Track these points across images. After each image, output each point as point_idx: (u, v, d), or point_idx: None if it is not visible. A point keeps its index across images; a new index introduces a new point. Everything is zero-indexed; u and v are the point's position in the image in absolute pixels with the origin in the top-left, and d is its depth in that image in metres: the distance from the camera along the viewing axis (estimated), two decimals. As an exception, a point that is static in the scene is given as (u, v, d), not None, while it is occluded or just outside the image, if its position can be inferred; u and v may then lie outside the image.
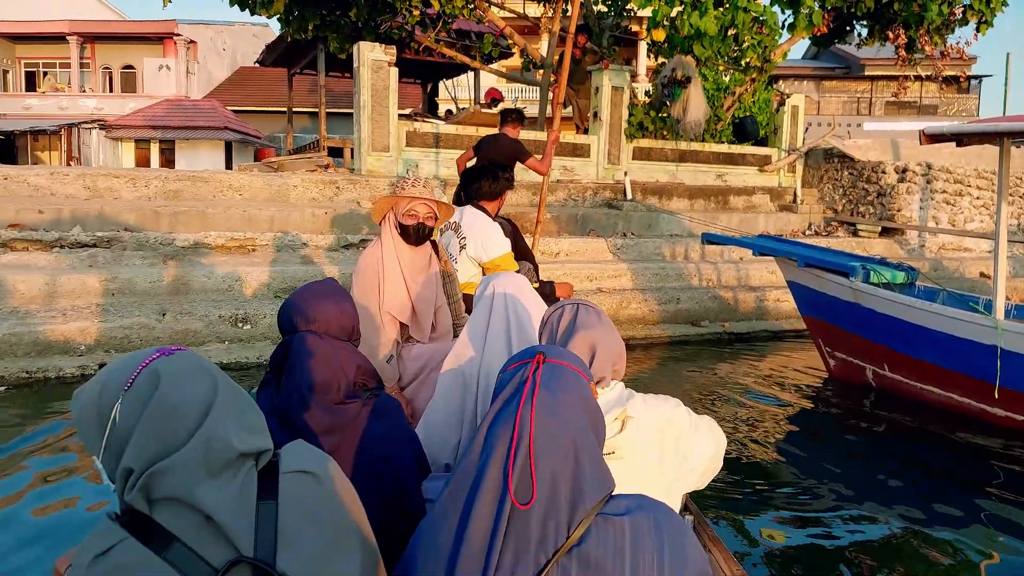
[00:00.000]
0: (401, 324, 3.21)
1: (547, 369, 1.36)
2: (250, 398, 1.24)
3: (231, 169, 24.57)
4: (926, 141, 4.65)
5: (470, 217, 3.99)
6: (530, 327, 2.49)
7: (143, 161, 25.52)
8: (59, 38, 28.47)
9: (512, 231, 4.57)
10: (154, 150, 25.79)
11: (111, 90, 29.95)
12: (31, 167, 9.65)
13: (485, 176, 4.30)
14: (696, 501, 3.82)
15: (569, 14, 12.04)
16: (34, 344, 5.80)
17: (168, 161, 25.51)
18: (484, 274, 3.93)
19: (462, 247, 3.64)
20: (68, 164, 25.54)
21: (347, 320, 2.05)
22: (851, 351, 5.95)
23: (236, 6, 10.50)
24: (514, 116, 6.85)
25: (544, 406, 1.30)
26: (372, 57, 8.89)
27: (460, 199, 4.40)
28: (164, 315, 6.26)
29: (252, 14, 10.22)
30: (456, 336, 3.32)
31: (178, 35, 29.21)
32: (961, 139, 4.70)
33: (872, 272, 5.60)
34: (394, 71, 9.04)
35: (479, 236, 3.66)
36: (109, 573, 1.09)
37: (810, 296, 6.13)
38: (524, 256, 4.57)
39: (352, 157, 12.57)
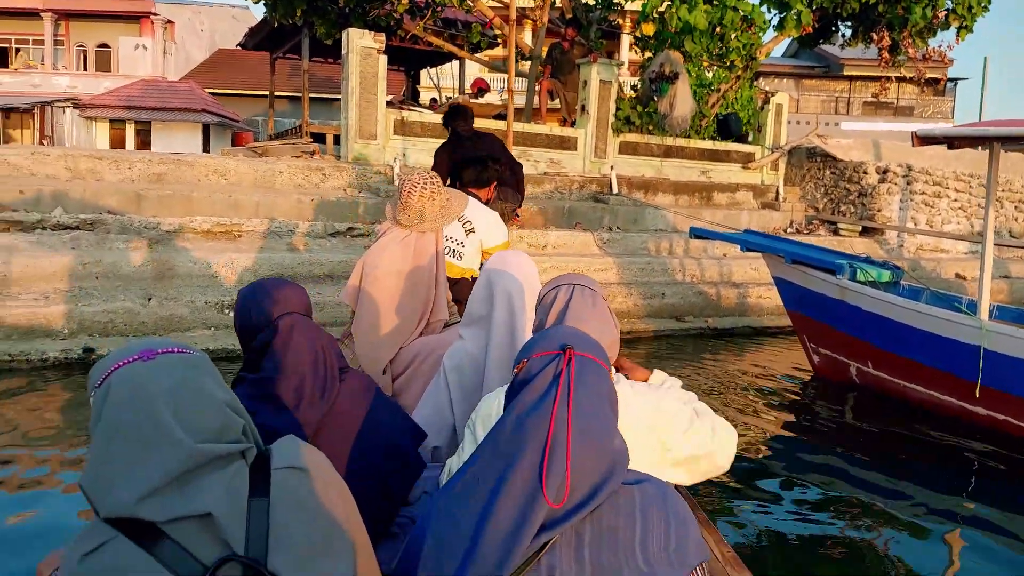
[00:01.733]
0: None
1: (578, 365, 1.36)
2: (216, 402, 1.19)
3: (208, 152, 24.28)
4: (918, 143, 4.72)
5: (471, 203, 4.01)
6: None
7: (118, 142, 25.10)
8: (33, 14, 27.89)
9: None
10: (129, 131, 25.37)
11: (85, 68, 29.40)
12: (11, 146, 9.46)
13: (476, 164, 4.48)
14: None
15: (557, 6, 12.06)
16: (15, 327, 5.70)
17: (144, 143, 25.11)
18: (484, 259, 3.93)
19: (469, 231, 3.64)
20: (41, 143, 25.04)
21: (307, 299, 2.14)
22: (836, 347, 6.04)
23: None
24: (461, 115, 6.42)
25: (580, 408, 1.32)
26: (362, 44, 8.81)
27: (453, 187, 4.44)
28: (149, 300, 6.17)
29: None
30: (448, 324, 3.32)
31: (155, 14, 28.76)
32: (952, 142, 4.78)
33: (858, 270, 5.68)
34: (383, 59, 8.97)
35: (483, 221, 3.67)
36: (98, 572, 1.09)
37: (796, 292, 6.20)
38: None
39: (335, 143, 12.48)
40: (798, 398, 6.16)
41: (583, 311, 1.87)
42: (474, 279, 3.82)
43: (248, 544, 1.13)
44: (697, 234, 6.62)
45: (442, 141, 6.76)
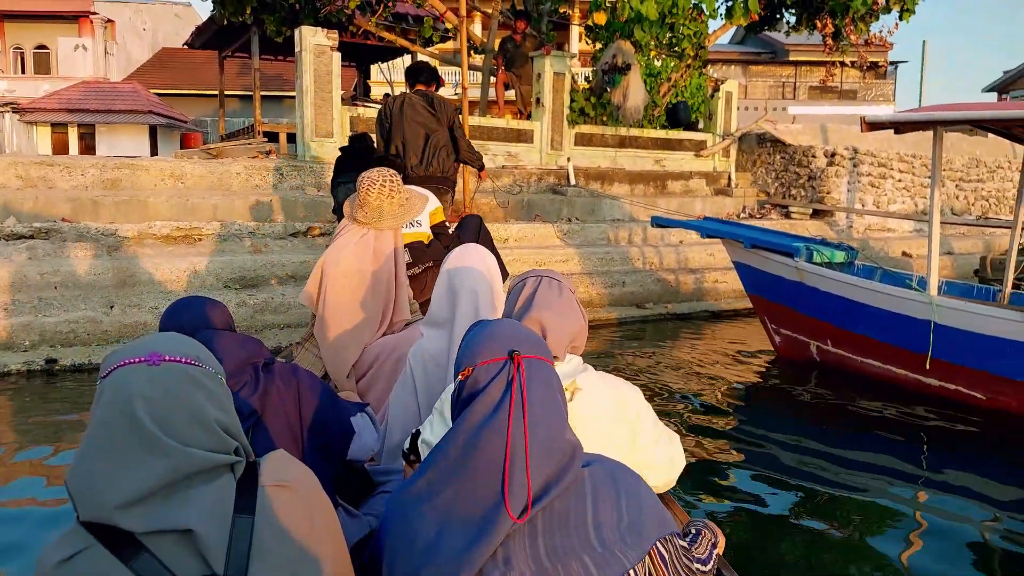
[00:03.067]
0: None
1: (527, 369, 1.34)
2: (205, 419, 1.17)
3: (157, 154, 23.81)
4: (866, 128, 4.92)
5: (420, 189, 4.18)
6: (499, 303, 2.46)
7: (60, 146, 24.47)
8: (-36, 16, 26.99)
9: (479, 226, 4.67)
10: (72, 135, 24.76)
11: (23, 71, 28.56)
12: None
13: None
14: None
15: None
16: (-26, 341, 5.60)
17: (88, 147, 24.52)
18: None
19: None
20: (-21, 150, 24.26)
21: (228, 316, 2.19)
22: (796, 328, 6.24)
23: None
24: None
25: (535, 415, 1.31)
26: (315, 42, 8.76)
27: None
28: (112, 308, 6.11)
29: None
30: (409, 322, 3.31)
31: (95, 13, 28.05)
32: (899, 127, 4.98)
33: (814, 252, 5.88)
34: (337, 56, 8.94)
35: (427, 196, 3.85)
36: None
37: (756, 276, 6.39)
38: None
39: (289, 141, 12.38)
40: (760, 379, 6.35)
41: (550, 298, 1.88)
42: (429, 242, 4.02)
43: (228, 562, 1.11)
44: (658, 223, 6.77)
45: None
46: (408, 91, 6.11)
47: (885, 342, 5.53)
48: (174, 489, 1.11)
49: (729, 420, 5.16)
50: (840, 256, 5.98)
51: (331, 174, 7.13)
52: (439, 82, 6.42)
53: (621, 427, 1.86)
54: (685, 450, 4.24)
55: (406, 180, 5.04)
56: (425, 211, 4.03)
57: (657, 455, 1.95)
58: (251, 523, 1.15)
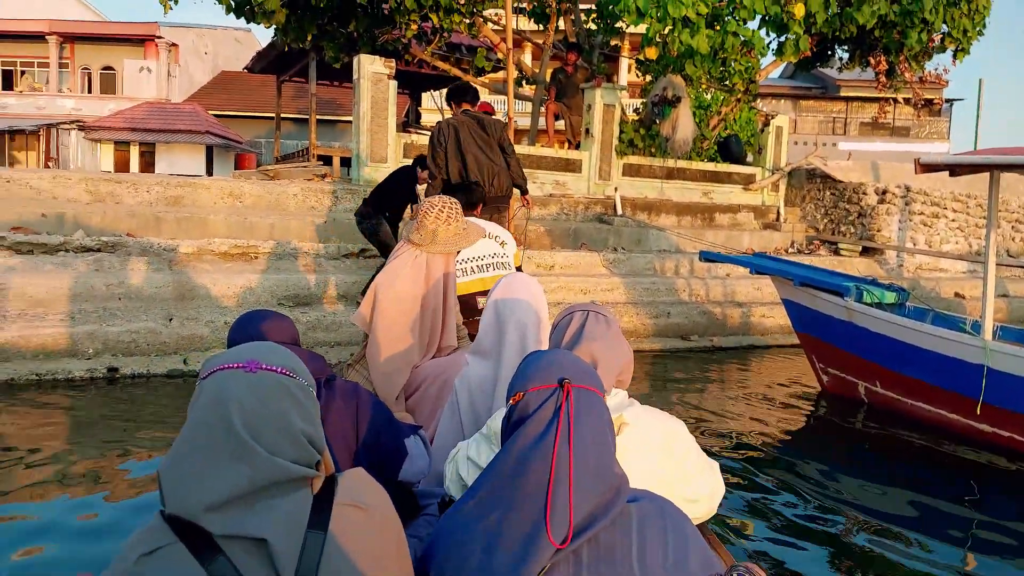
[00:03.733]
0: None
1: (576, 398, 1.36)
2: (293, 431, 1.20)
3: (212, 173, 24.51)
4: (921, 170, 4.90)
5: (484, 222, 4.22)
6: (545, 335, 2.47)
7: (122, 163, 25.34)
8: (38, 37, 28.19)
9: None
10: (133, 152, 25.62)
11: (90, 91, 29.69)
12: (34, 170, 9.63)
13: (463, 190, 5.01)
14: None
15: (560, 29, 12.31)
16: (42, 347, 5.84)
17: (148, 164, 25.35)
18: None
19: (502, 243, 3.85)
20: (46, 165, 25.28)
21: (294, 330, 2.26)
22: (844, 368, 6.19)
23: (233, 14, 10.58)
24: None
25: (581, 442, 1.32)
26: (372, 70, 9.02)
27: None
28: (171, 320, 6.32)
29: (253, 23, 10.30)
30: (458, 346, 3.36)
31: (160, 37, 29.06)
32: (954, 169, 4.96)
33: (865, 292, 5.84)
34: (393, 84, 9.18)
35: (505, 232, 3.88)
36: (152, 574, 1.11)
37: (805, 314, 6.36)
38: None
39: (342, 165, 12.69)
40: (807, 417, 6.29)
41: (598, 332, 1.90)
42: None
43: (297, 575, 1.13)
44: (707, 257, 6.79)
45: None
46: (457, 113, 6.16)
47: (936, 385, 5.45)
48: (256, 497, 1.14)
49: (774, 457, 5.13)
50: (891, 297, 5.93)
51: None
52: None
53: (669, 462, 1.87)
54: (729, 486, 4.26)
55: (484, 203, 5.28)
56: (509, 253, 4.09)
57: (703, 487, 1.96)
58: (323, 539, 1.17)
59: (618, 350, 1.92)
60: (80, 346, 5.96)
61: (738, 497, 4.22)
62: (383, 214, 7.08)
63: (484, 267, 4.22)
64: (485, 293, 4.85)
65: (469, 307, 3.97)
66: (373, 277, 6.80)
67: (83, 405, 5.29)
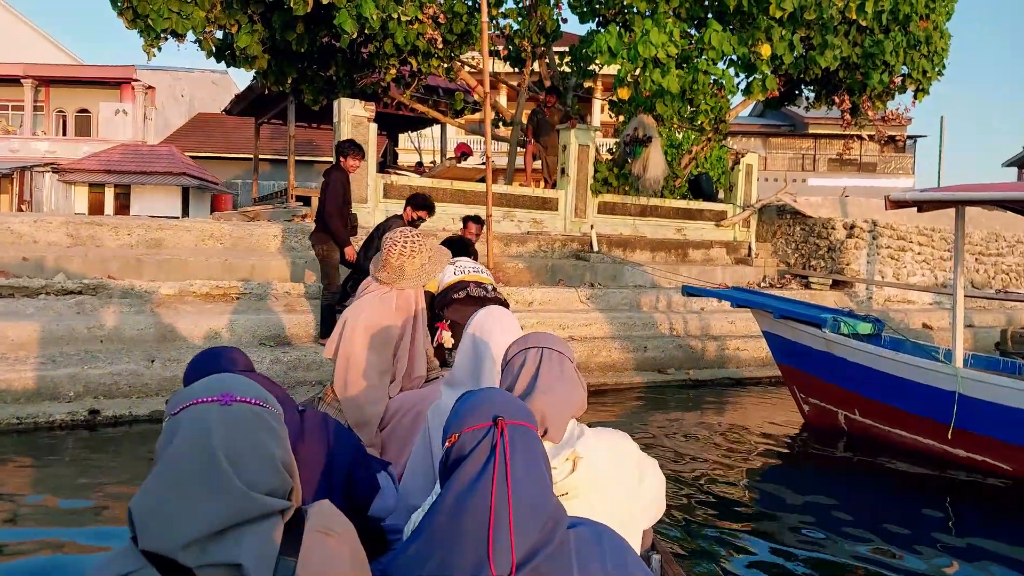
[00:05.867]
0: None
1: (511, 434, 1.38)
2: (273, 461, 1.22)
3: (188, 214, 24.49)
4: (891, 207, 5.13)
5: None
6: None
7: (96, 205, 25.26)
8: (13, 80, 28.17)
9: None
10: (108, 194, 25.56)
11: (64, 133, 29.64)
12: (15, 214, 9.64)
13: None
14: (679, 542, 4.09)
15: (536, 71, 12.63)
16: (24, 390, 5.84)
17: (123, 206, 25.29)
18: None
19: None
20: (19, 208, 25.09)
21: (248, 361, 2.35)
22: (824, 397, 6.36)
23: (214, 59, 10.75)
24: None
25: (518, 478, 1.34)
26: (353, 113, 9.20)
27: None
28: (153, 362, 6.35)
29: (234, 67, 10.48)
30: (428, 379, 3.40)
31: (136, 80, 29.16)
32: (922, 205, 5.20)
33: (842, 323, 6.04)
34: (373, 126, 9.37)
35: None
36: None
37: (785, 345, 6.53)
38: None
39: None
40: (789, 447, 6.40)
41: (551, 380, 1.86)
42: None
43: None
44: (689, 292, 6.96)
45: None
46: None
47: (911, 412, 5.64)
48: (232, 528, 1.16)
49: (756, 486, 5.24)
50: (866, 328, 6.12)
51: (363, 238, 7.51)
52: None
53: (624, 479, 1.90)
54: (716, 516, 4.37)
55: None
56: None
57: (655, 486, 1.99)
58: (294, 565, 1.18)
59: (572, 396, 1.88)
60: (61, 389, 5.97)
61: (723, 529, 4.31)
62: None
63: (479, 271, 5.35)
64: (479, 285, 5.43)
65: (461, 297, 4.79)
66: (326, 315, 6.98)
67: (63, 448, 5.29)
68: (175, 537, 1.12)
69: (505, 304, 5.66)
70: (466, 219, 7.43)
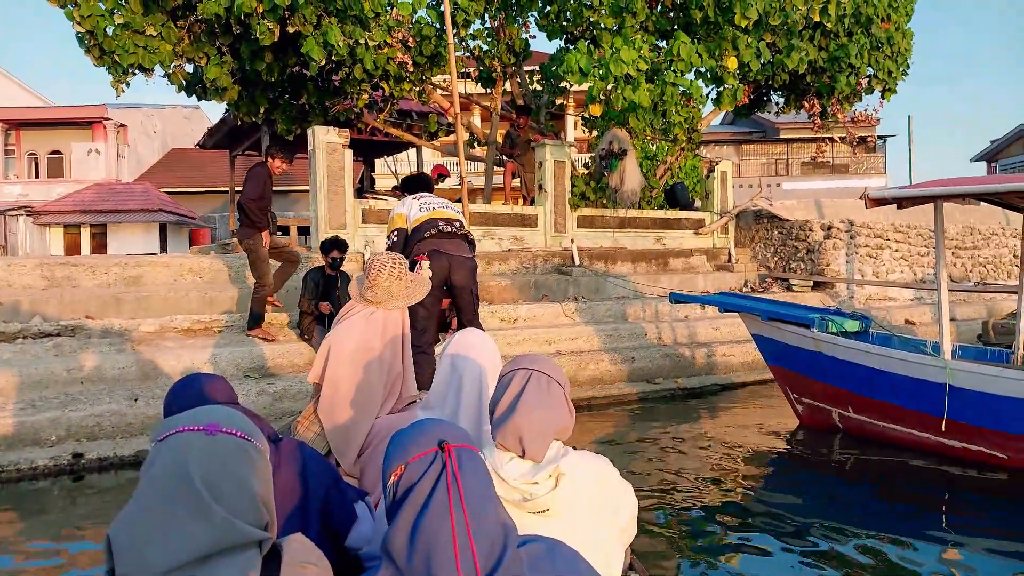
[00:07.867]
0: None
1: (458, 456, 1.38)
2: (252, 494, 1.22)
3: (167, 251, 24.32)
4: (871, 204, 5.18)
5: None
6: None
7: (73, 246, 25.03)
8: (-17, 125, 28.00)
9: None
10: (84, 235, 25.36)
11: (37, 176, 29.42)
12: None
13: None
14: (677, 546, 4.07)
15: (508, 90, 12.69)
16: (3, 437, 5.72)
17: (100, 245, 25.09)
18: None
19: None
20: (-6, 253, 24.81)
21: (230, 390, 2.34)
22: (817, 396, 6.38)
23: (184, 93, 10.71)
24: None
25: (472, 500, 1.34)
26: (327, 140, 9.18)
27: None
28: (136, 400, 6.25)
29: (205, 100, 10.43)
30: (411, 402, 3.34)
31: (108, 119, 29.04)
32: (901, 202, 5.26)
33: (829, 322, 6.07)
34: (348, 153, 9.35)
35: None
36: None
37: (775, 347, 6.56)
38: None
39: (300, 234, 12.76)
40: (786, 448, 6.40)
41: (534, 401, 1.87)
42: None
43: None
44: (677, 299, 6.99)
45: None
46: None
47: (904, 406, 5.67)
48: (211, 557, 1.15)
49: (756, 488, 5.23)
50: (853, 325, 6.16)
51: (344, 264, 7.47)
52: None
53: (604, 499, 1.91)
54: (719, 521, 4.34)
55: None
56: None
57: (628, 509, 1.99)
58: None
59: (553, 417, 1.88)
60: (43, 433, 5.86)
61: (727, 536, 4.29)
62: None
63: (445, 206, 5.57)
64: (447, 221, 5.64)
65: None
66: (254, 309, 7.25)
67: (46, 494, 5.19)
68: (153, 565, 1.11)
69: (472, 243, 5.83)
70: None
